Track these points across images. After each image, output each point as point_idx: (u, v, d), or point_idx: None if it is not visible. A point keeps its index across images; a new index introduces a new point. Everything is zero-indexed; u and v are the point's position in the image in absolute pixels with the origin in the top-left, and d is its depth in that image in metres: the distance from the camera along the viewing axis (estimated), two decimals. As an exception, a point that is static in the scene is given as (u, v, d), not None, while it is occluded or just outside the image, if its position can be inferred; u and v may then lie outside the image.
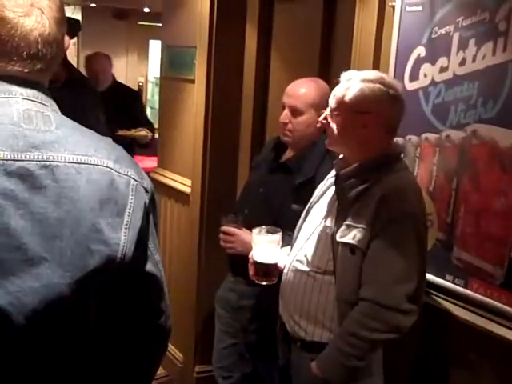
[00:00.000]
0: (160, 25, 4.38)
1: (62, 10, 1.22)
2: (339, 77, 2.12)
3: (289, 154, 2.76)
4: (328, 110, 2.11)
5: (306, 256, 2.12)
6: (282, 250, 2.29)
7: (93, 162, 1.17)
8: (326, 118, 2.10)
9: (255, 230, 2.29)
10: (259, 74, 3.66)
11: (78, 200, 1.13)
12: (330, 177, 2.22)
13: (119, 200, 1.18)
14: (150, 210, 1.25)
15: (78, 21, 9.46)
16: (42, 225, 1.10)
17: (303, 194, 2.44)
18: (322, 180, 2.29)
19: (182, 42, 3.97)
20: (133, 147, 5.02)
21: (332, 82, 2.69)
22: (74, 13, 9.97)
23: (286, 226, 2.35)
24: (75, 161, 1.15)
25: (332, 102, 2.08)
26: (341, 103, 2.03)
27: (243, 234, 2.62)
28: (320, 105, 2.56)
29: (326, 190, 2.22)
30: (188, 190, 3.81)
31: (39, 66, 1.19)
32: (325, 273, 2.06)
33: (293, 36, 3.53)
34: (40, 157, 1.12)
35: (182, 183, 3.87)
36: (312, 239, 2.13)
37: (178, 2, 3.97)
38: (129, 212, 1.19)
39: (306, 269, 2.12)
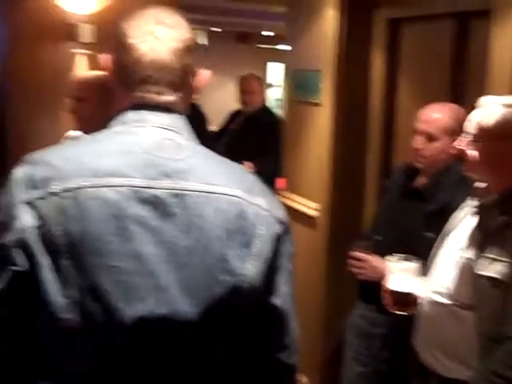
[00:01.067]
0: (278, 47, 4.44)
1: (192, 40, 1.25)
2: (474, 101, 2.05)
3: (421, 179, 2.69)
4: (465, 135, 2.04)
5: (444, 288, 2.05)
6: (418, 279, 2.23)
7: (222, 192, 1.17)
8: (462, 144, 2.03)
9: (391, 258, 2.25)
10: (386, 98, 3.61)
11: (206, 229, 1.14)
12: (468, 205, 2.13)
13: (247, 230, 1.17)
14: (282, 241, 1.22)
15: (203, 45, 9.82)
16: (171, 253, 1.12)
17: (436, 221, 2.36)
18: (457, 208, 2.20)
19: (307, 65, 4.00)
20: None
21: (465, 106, 2.62)
22: (200, 37, 10.33)
23: (418, 253, 2.29)
24: (205, 190, 1.16)
25: (471, 128, 2.00)
26: (481, 129, 1.95)
27: (374, 260, 2.58)
28: (454, 130, 2.48)
29: (463, 219, 2.14)
30: (315, 213, 3.81)
31: (174, 95, 1.23)
32: (465, 306, 1.98)
33: (421, 58, 3.46)
34: (171, 185, 1.14)
35: (309, 206, 3.88)
36: (450, 271, 2.05)
37: (303, 26, 4.01)
38: (257, 243, 1.18)
39: (445, 301, 2.05)
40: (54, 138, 3.32)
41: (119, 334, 1.11)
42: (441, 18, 3.25)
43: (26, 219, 1.10)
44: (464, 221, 2.12)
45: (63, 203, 1.10)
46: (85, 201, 1.11)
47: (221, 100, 5.35)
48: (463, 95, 3.11)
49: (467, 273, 1.97)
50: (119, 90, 1.26)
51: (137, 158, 1.15)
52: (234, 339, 1.20)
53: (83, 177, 1.12)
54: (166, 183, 1.14)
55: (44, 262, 1.10)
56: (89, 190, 1.11)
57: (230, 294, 1.15)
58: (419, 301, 2.16)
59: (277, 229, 1.21)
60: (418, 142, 2.59)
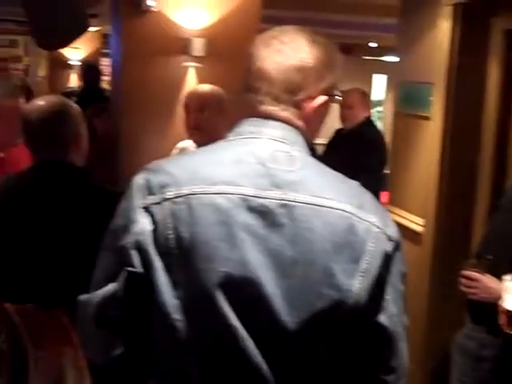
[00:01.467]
0: (384, 59, 4.36)
1: (313, 61, 1.24)
2: None
3: None
4: None
5: None
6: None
7: (331, 206, 1.16)
8: None
9: (507, 277, 2.16)
10: (502, 112, 3.47)
11: (312, 242, 1.14)
12: None
13: (356, 246, 1.16)
14: (393, 259, 1.19)
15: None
16: (276, 262, 1.14)
17: None
18: None
19: (417, 77, 3.91)
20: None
21: None
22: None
23: None
24: (314, 202, 1.16)
25: None
26: None
27: (487, 279, 2.48)
28: None
29: None
30: (420, 229, 3.71)
31: (289, 109, 1.24)
32: None
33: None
34: (280, 196, 1.16)
35: (414, 222, 3.78)
36: None
37: (415, 37, 3.93)
38: (366, 259, 1.16)
39: None
40: (164, 150, 3.43)
41: (224, 337, 1.14)
42: None
43: (143, 223, 1.17)
44: None
45: (176, 208, 1.16)
46: (196, 206, 1.15)
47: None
48: None
49: None
50: (240, 99, 1.30)
51: (249, 168, 1.18)
52: (337, 354, 1.19)
53: (196, 184, 1.17)
54: (276, 193, 1.16)
55: (157, 264, 1.15)
56: (200, 196, 1.16)
57: (332, 309, 1.14)
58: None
59: (388, 246, 1.18)
60: None
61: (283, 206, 1.15)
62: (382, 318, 1.18)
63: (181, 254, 1.15)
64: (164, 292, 1.15)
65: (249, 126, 1.25)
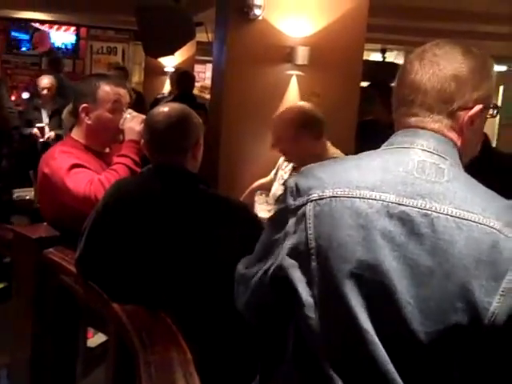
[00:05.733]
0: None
1: (467, 73, 1.24)
2: None
3: None
4: None
5: None
6: None
7: (476, 220, 1.13)
8: None
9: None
10: None
11: (452, 255, 1.12)
12: None
13: (500, 264, 1.12)
14: None
15: (398, 65, 9.70)
16: (412, 270, 1.13)
17: None
18: None
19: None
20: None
21: None
22: (397, 57, 10.24)
23: None
24: (457, 215, 1.14)
25: None
26: None
27: None
28: None
29: None
30: None
31: (442, 121, 1.24)
32: None
33: None
34: (423, 205, 1.15)
35: None
36: None
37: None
38: (509, 279, 1.11)
39: None
40: (264, 159, 3.45)
41: (353, 338, 1.16)
42: None
43: (291, 223, 1.25)
44: None
45: (318, 209, 1.22)
46: (337, 208, 1.20)
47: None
48: None
49: None
50: (394, 114, 1.32)
51: (395, 176, 1.20)
52: (471, 373, 1.15)
53: (339, 187, 1.21)
54: (418, 202, 1.16)
55: (297, 261, 1.22)
56: (342, 199, 1.20)
57: (466, 325, 1.12)
58: None
59: None
60: None
61: (425, 215, 1.15)
62: None
63: (319, 253, 1.20)
64: (301, 289, 1.21)
65: (401, 137, 1.27)
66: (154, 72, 10.04)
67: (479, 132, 1.31)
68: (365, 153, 1.30)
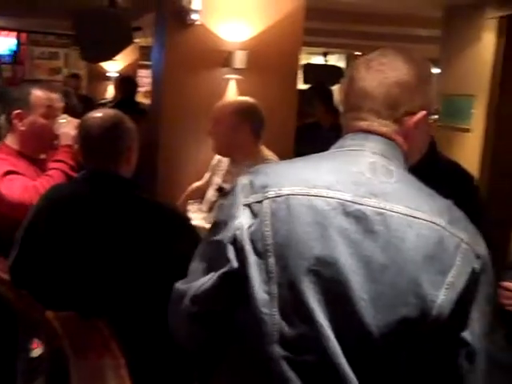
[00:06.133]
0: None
1: (410, 79, 1.29)
2: None
3: None
4: None
5: None
6: None
7: (424, 218, 1.20)
8: None
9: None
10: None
11: (403, 251, 1.17)
12: None
13: (445, 259, 1.18)
14: (480, 278, 1.20)
15: (341, 68, 9.85)
16: (366, 266, 1.18)
17: None
18: None
19: (458, 89, 3.89)
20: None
21: None
22: (338, 60, 10.38)
23: None
24: (408, 214, 1.20)
25: None
26: None
27: None
28: None
29: None
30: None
31: (386, 125, 1.31)
32: None
33: None
34: (376, 204, 1.20)
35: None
36: None
37: (457, 51, 3.92)
38: (453, 273, 1.17)
39: None
40: (203, 162, 3.46)
41: (309, 332, 1.19)
42: None
43: (242, 219, 1.25)
44: None
45: (276, 207, 1.23)
46: (295, 206, 1.22)
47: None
48: None
49: None
50: (342, 118, 1.38)
51: (349, 176, 1.25)
52: (416, 365, 1.20)
53: (296, 186, 1.24)
54: (373, 201, 1.21)
55: (251, 259, 1.22)
56: (300, 197, 1.23)
57: (416, 318, 1.16)
58: None
59: (475, 264, 1.20)
60: None
61: (379, 213, 1.20)
62: (466, 335, 1.20)
63: (276, 250, 1.21)
64: (256, 287, 1.21)
65: (351, 140, 1.32)
66: (97, 77, 9.94)
67: (424, 136, 1.37)
68: (316, 155, 1.34)
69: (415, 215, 1.20)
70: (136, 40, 7.84)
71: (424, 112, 1.31)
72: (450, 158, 3.13)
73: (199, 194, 3.22)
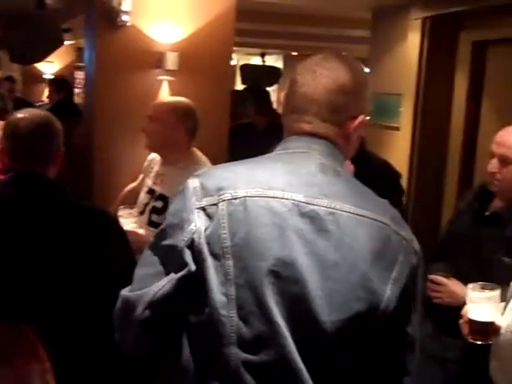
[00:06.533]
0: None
1: (350, 83, 1.34)
2: None
3: (497, 203, 2.61)
4: None
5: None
6: (499, 307, 2.16)
7: (372, 217, 1.26)
8: None
9: (470, 286, 2.19)
10: (468, 121, 3.56)
11: (354, 248, 1.23)
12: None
13: (391, 255, 1.25)
14: (417, 272, 1.28)
15: (278, 69, 9.94)
16: (321, 265, 1.22)
17: None
18: None
19: (387, 88, 3.99)
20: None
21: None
22: (276, 61, 10.45)
23: (496, 278, 2.24)
24: (356, 213, 1.25)
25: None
26: None
27: (452, 284, 2.53)
28: None
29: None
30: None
31: (327, 127, 1.35)
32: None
33: (507, 81, 3.40)
34: (328, 204, 1.25)
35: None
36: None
37: (384, 50, 4.01)
38: (397, 269, 1.24)
39: (532, 332, 1.98)
40: (138, 163, 3.45)
41: (267, 332, 1.22)
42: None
43: (198, 223, 1.25)
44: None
45: (232, 209, 1.25)
46: (252, 208, 1.25)
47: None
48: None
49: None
50: (284, 120, 1.42)
51: (300, 178, 1.29)
52: (361, 355, 1.26)
53: (252, 187, 1.26)
54: (325, 202, 1.25)
55: (209, 261, 1.23)
56: (256, 198, 1.25)
57: (367, 312, 1.22)
58: (501, 331, 2.10)
59: (414, 260, 1.27)
60: (493, 165, 2.52)
61: (331, 213, 1.24)
62: (410, 328, 1.27)
63: (234, 252, 1.23)
64: (214, 289, 1.22)
65: (296, 142, 1.36)
66: (32, 79, 9.75)
67: (358, 137, 1.42)
68: (263, 156, 1.38)
69: (363, 214, 1.25)
70: (68, 42, 7.73)
71: (364, 116, 1.37)
72: (379, 155, 3.22)
73: (134, 196, 3.20)
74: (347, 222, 1.24)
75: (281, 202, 1.24)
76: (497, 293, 2.13)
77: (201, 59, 3.81)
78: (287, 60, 10.76)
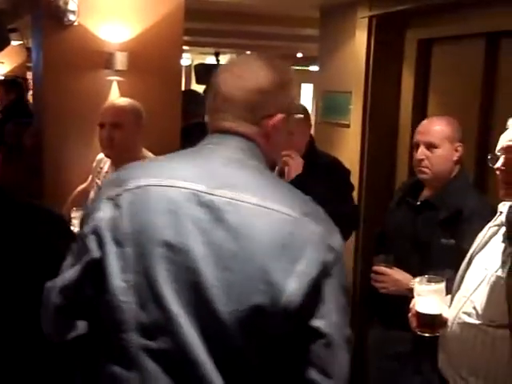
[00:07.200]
0: (311, 69, 4.49)
1: (265, 83, 1.39)
2: (504, 121, 2.04)
3: (426, 192, 2.76)
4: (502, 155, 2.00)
5: (474, 308, 2.03)
6: (445, 299, 2.21)
7: (275, 208, 1.26)
8: (505, 165, 1.98)
9: (417, 279, 2.24)
10: (416, 117, 3.62)
11: (253, 239, 1.23)
12: (493, 225, 2.12)
13: (295, 249, 1.23)
14: (333, 269, 1.26)
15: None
16: (217, 255, 1.23)
17: (451, 227, 2.48)
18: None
19: (337, 86, 4.03)
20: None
21: (495, 126, 2.61)
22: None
23: (437, 261, 2.34)
24: (259, 204, 1.26)
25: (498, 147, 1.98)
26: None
27: (395, 272, 2.63)
28: (454, 138, 2.62)
29: (489, 239, 2.13)
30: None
31: (243, 124, 1.39)
32: (498, 326, 1.96)
33: (452, 78, 3.47)
34: (229, 195, 1.27)
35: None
36: (481, 290, 2.03)
37: (334, 48, 4.05)
38: (302, 263, 1.23)
39: (476, 322, 2.02)
40: (88, 164, 3.42)
41: (164, 321, 1.24)
42: (471, 38, 3.26)
43: (104, 211, 1.32)
44: (492, 241, 2.11)
45: (134, 198, 1.31)
46: (150, 196, 1.30)
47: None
48: (493, 115, 3.10)
49: (501, 292, 1.95)
50: (207, 118, 1.47)
51: (205, 169, 1.33)
52: (269, 352, 1.25)
53: (154, 178, 1.32)
54: (225, 192, 1.27)
55: (111, 248, 1.28)
56: (156, 187, 1.31)
57: (267, 305, 1.21)
58: (448, 323, 2.15)
59: (327, 256, 1.26)
60: (420, 152, 2.67)
61: (230, 204, 1.26)
62: (321, 324, 1.24)
63: (133, 239, 1.28)
64: (114, 275, 1.27)
65: (211, 139, 1.41)
66: (-18, 80, 9.55)
67: (284, 136, 1.46)
68: (180, 151, 1.45)
69: (266, 205, 1.26)
70: (16, 42, 7.59)
71: (281, 115, 1.41)
72: (328, 153, 3.26)
73: (85, 197, 3.18)
74: (247, 213, 1.25)
75: (180, 191, 1.28)
76: (442, 285, 2.18)
77: (150, 59, 3.80)
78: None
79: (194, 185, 1.28)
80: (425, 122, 2.79)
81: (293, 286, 1.21)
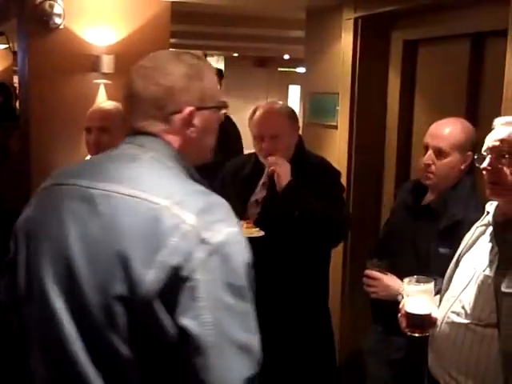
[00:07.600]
0: (298, 70, 4.49)
1: (173, 80, 1.38)
2: (489, 121, 2.05)
3: (429, 196, 2.67)
4: (487, 155, 2.00)
5: (463, 308, 2.04)
6: (434, 299, 2.22)
7: (144, 198, 1.25)
8: (491, 165, 1.98)
9: (406, 280, 2.24)
10: (403, 118, 3.63)
11: (116, 229, 1.24)
12: (480, 225, 2.13)
13: (157, 238, 1.20)
14: (206, 264, 1.19)
15: (220, 70, 9.93)
16: (88, 246, 1.27)
17: (450, 237, 2.37)
18: (470, 223, 2.19)
19: (324, 88, 4.04)
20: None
21: (480, 126, 2.62)
22: (217, 62, 10.46)
23: (434, 270, 2.30)
24: (130, 194, 1.27)
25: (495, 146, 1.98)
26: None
27: (387, 278, 2.56)
28: (465, 146, 2.49)
29: (477, 239, 2.14)
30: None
31: (160, 122, 1.39)
32: (487, 325, 1.97)
33: (438, 78, 3.49)
34: (107, 187, 1.30)
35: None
36: (469, 290, 2.05)
37: (320, 49, 4.06)
38: (164, 253, 1.18)
39: (465, 321, 2.03)
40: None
41: (46, 318, 1.29)
42: (457, 39, 3.28)
43: (25, 210, 1.42)
44: (479, 240, 2.12)
45: (40, 196, 1.42)
46: (46, 195, 1.40)
47: (239, 125, 5.33)
48: (479, 115, 3.12)
49: (489, 291, 1.97)
50: (127, 121, 1.49)
51: (94, 165, 1.42)
52: (144, 348, 1.22)
53: (57, 178, 1.41)
54: (104, 185, 1.31)
55: (20, 245, 1.38)
56: (54, 187, 1.40)
57: (127, 294, 1.20)
58: (437, 322, 2.15)
59: (199, 249, 1.19)
60: (428, 157, 2.56)
61: (105, 196, 1.29)
62: (190, 324, 1.17)
63: (33, 235, 1.36)
64: (19, 272, 1.36)
65: (126, 139, 1.43)
66: (-33, 84, 9.48)
67: (208, 130, 1.46)
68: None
69: (134, 195, 1.26)
70: (2, 45, 7.56)
71: (189, 108, 1.39)
72: (318, 154, 3.25)
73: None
74: (117, 203, 1.27)
75: (66, 188, 1.36)
76: (431, 285, 2.18)
77: (137, 62, 3.78)
78: (228, 61, 10.78)
79: (79, 181, 1.34)
80: (438, 124, 2.60)
81: (152, 277, 1.18)
